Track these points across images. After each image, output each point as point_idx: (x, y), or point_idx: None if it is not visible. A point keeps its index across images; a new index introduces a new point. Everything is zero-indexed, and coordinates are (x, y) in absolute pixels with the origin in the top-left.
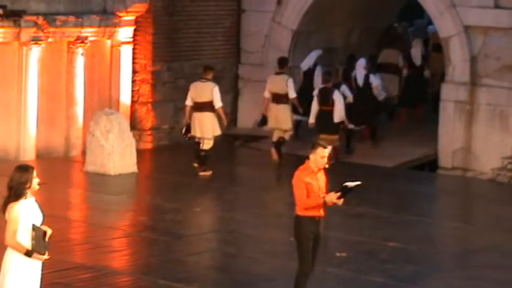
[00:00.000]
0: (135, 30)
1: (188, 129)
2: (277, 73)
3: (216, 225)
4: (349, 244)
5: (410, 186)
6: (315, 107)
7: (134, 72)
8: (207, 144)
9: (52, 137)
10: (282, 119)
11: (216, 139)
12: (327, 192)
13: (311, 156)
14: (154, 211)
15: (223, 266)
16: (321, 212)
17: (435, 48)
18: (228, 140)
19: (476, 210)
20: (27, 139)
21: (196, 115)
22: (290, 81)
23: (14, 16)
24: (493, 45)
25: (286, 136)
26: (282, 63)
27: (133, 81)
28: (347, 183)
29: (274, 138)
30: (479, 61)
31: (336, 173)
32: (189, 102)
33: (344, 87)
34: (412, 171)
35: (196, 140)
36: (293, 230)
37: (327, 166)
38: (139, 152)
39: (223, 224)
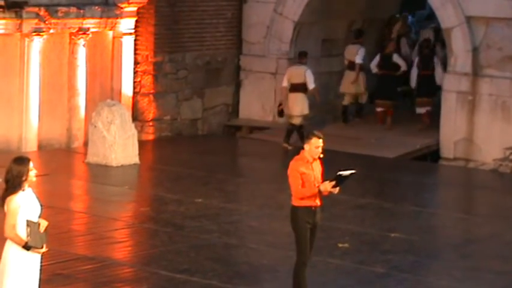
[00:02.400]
0: (136, 21)
1: (283, 109)
2: (353, 43)
3: (218, 217)
4: (351, 235)
5: (412, 177)
6: (414, 72)
7: (136, 63)
8: (295, 120)
9: (54, 128)
10: (354, 83)
11: (307, 117)
12: (323, 181)
13: (306, 147)
14: (156, 202)
15: (225, 257)
16: (317, 202)
17: None
18: (230, 130)
19: (478, 201)
20: (29, 130)
21: (291, 95)
22: (362, 50)
23: (15, 7)
24: (495, 36)
25: (364, 99)
26: (359, 34)
27: (135, 73)
28: (341, 172)
29: (345, 102)
30: (482, 51)
31: (336, 164)
32: (285, 84)
33: (396, 57)
34: (414, 161)
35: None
36: (290, 221)
37: (321, 156)
38: (141, 143)
39: (225, 215)
